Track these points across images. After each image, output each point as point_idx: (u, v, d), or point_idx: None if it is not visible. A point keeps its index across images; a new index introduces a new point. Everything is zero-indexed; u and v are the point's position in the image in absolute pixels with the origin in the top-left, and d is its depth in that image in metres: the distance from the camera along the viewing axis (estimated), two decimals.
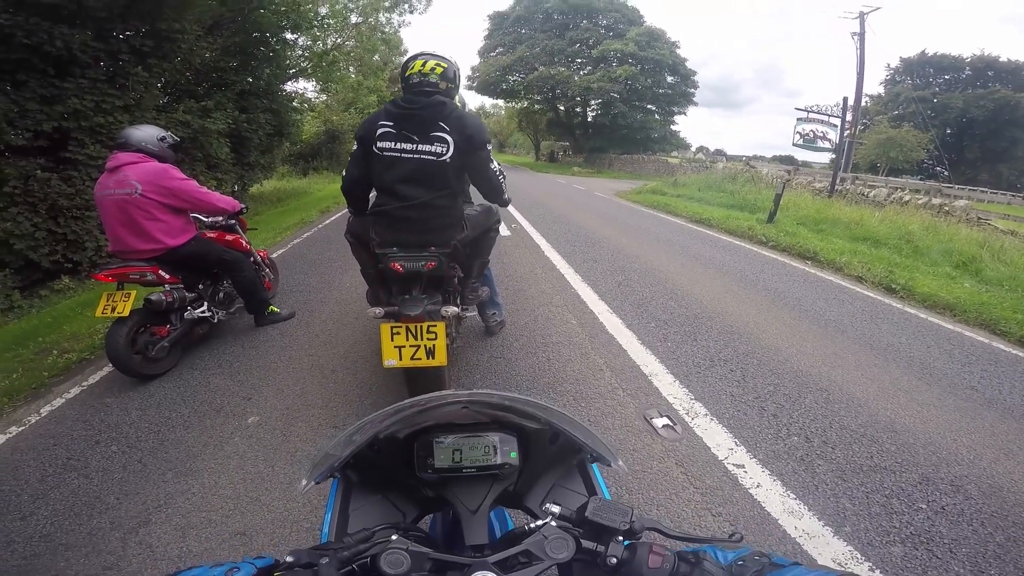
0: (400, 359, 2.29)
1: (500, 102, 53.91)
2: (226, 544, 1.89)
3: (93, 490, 2.18)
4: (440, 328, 2.32)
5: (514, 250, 6.75)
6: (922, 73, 37.15)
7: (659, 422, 2.67)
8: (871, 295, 5.31)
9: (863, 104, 20.17)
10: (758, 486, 2.21)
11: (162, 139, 3.19)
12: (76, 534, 1.93)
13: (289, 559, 0.58)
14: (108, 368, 3.19)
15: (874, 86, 39.35)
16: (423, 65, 2.37)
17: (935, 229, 8.58)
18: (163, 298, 3.07)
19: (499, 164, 2.57)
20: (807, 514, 2.06)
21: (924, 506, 2.13)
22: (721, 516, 2.03)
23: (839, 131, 15.89)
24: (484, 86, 41.76)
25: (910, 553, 1.88)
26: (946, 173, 29.66)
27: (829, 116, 16.84)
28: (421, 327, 2.30)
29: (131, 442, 2.51)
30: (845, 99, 15.39)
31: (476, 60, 43.23)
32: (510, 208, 10.44)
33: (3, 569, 1.79)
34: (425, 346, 2.30)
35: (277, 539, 1.91)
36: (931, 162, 32.74)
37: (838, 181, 13.79)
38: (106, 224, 3.04)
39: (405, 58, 2.47)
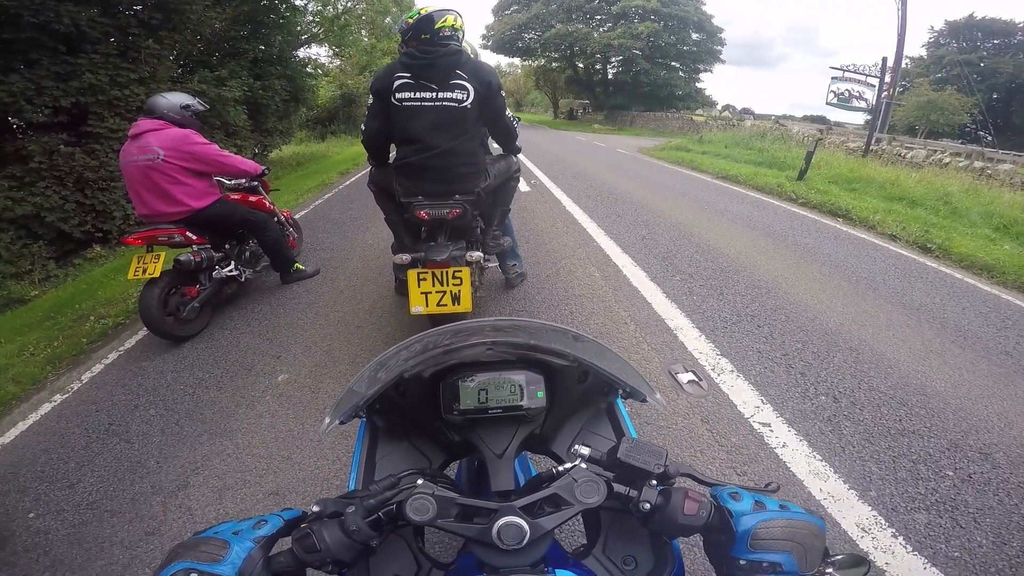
0: (427, 305, 2.36)
1: (516, 60, 52.45)
2: (260, 504, 1.94)
3: (134, 455, 2.25)
4: (465, 273, 2.37)
5: (535, 205, 6.67)
6: (969, 37, 34.71)
7: (684, 377, 2.65)
8: (905, 253, 5.11)
9: (904, 66, 19.00)
10: (784, 446, 2.18)
11: (185, 107, 3.21)
12: (120, 500, 2.01)
13: (316, 508, 0.58)
14: (143, 331, 3.30)
15: (915, 48, 37.17)
16: (443, 20, 2.40)
17: (976, 192, 8.11)
18: (192, 258, 3.13)
19: (511, 112, 2.67)
20: (832, 476, 2.03)
21: (951, 473, 2.07)
22: (746, 475, 2.01)
23: (876, 91, 15.05)
24: (499, 44, 40.54)
25: (934, 521, 1.83)
26: (989, 138, 27.97)
27: (867, 76, 15.95)
28: (447, 272, 2.35)
29: (168, 405, 2.59)
30: (884, 59, 14.40)
31: (491, 19, 41.94)
32: (530, 165, 10.43)
33: (55, 538, 1.87)
34: (451, 292, 2.36)
35: (308, 497, 1.96)
36: (974, 126, 30.81)
37: (874, 141, 13.14)
38: (131, 190, 3.09)
39: (419, 13, 2.44)
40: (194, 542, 0.54)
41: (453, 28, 2.42)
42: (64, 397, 2.77)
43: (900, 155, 12.31)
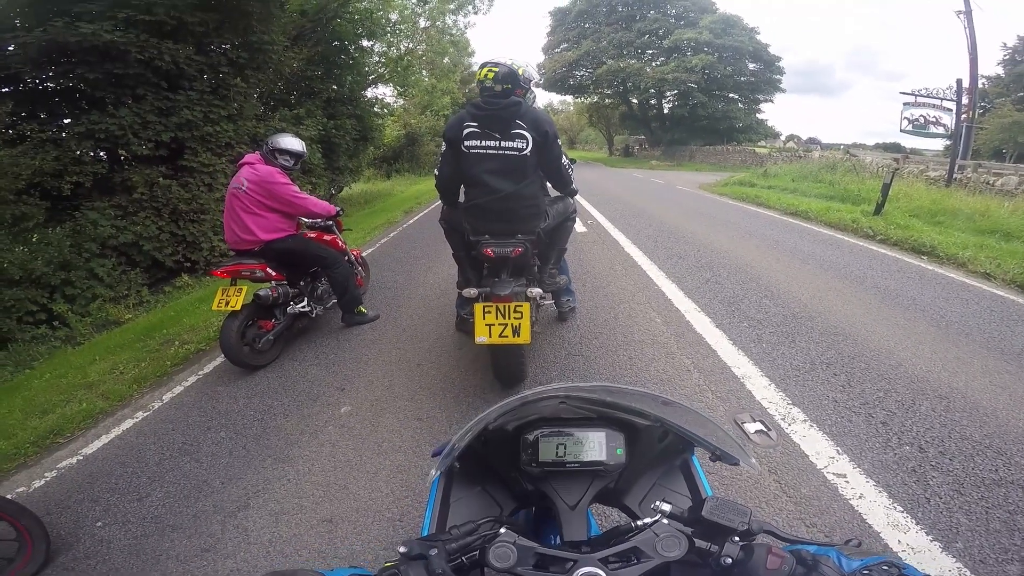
0: (490, 336, 2.52)
1: (569, 98, 53.25)
2: (314, 531, 1.99)
3: (202, 474, 2.39)
4: (526, 308, 2.53)
5: (591, 247, 6.60)
6: None
7: (751, 427, 2.51)
8: (1002, 294, 4.66)
9: (980, 86, 17.78)
10: (860, 497, 2.03)
11: (263, 143, 3.56)
12: (182, 516, 2.12)
13: (402, 550, 0.60)
14: (220, 358, 3.51)
15: (990, 67, 34.44)
16: (480, 72, 2.65)
17: None
18: (270, 293, 3.37)
19: (567, 156, 2.86)
20: (914, 528, 1.88)
21: None
22: (816, 527, 1.88)
23: (954, 115, 14.15)
24: (551, 83, 41.33)
25: None
26: None
27: (941, 100, 15.07)
28: (509, 306, 2.51)
29: (238, 429, 2.74)
30: (959, 81, 13.53)
31: (541, 57, 42.86)
32: (585, 204, 10.48)
33: (116, 547, 1.99)
34: (512, 325, 2.51)
35: (360, 528, 1.99)
36: None
37: (957, 169, 12.28)
38: (224, 217, 3.44)
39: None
40: None
41: (497, 80, 2.59)
42: (145, 415, 3.00)
43: (988, 183, 11.38)
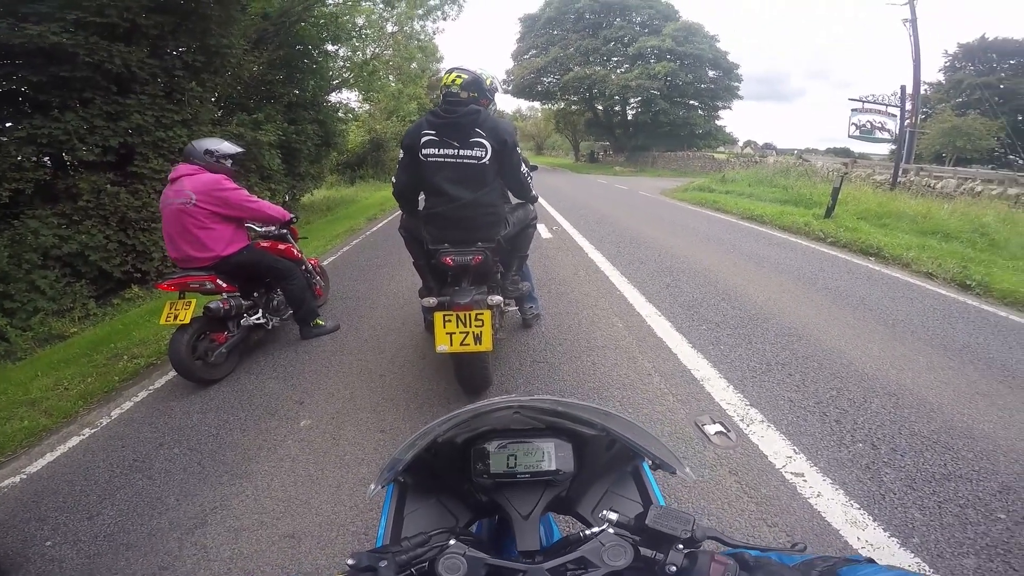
0: (451, 345, 2.50)
1: (536, 104, 53.79)
2: (276, 547, 1.94)
3: (155, 491, 2.29)
4: (486, 316, 2.52)
5: (556, 253, 6.64)
6: (984, 59, 34.64)
7: (711, 429, 2.56)
8: (943, 292, 4.94)
9: (923, 92, 18.97)
10: (819, 495, 2.09)
11: (207, 152, 3.32)
12: (137, 534, 2.04)
13: (350, 562, 0.59)
14: (172, 373, 3.36)
15: (932, 73, 37.15)
16: (447, 77, 2.68)
17: (1013, 221, 7.91)
18: (221, 306, 3.23)
19: (526, 165, 2.86)
20: (872, 524, 1.94)
21: (1003, 516, 1.97)
22: (777, 527, 1.93)
23: (898, 121, 14.98)
24: (519, 89, 41.60)
25: (984, 565, 1.74)
26: (1021, 161, 27.29)
27: (886, 106, 15.93)
28: (470, 315, 2.50)
29: (192, 445, 2.63)
30: (903, 87, 14.43)
31: (510, 64, 43.17)
32: (551, 211, 10.56)
33: (68, 567, 1.90)
34: (473, 332, 2.50)
35: (324, 542, 1.95)
36: (1003, 150, 30.16)
37: (901, 173, 12.96)
38: (166, 232, 3.23)
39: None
40: None
41: (464, 87, 2.61)
42: (93, 431, 2.87)
43: (930, 186, 12.06)
